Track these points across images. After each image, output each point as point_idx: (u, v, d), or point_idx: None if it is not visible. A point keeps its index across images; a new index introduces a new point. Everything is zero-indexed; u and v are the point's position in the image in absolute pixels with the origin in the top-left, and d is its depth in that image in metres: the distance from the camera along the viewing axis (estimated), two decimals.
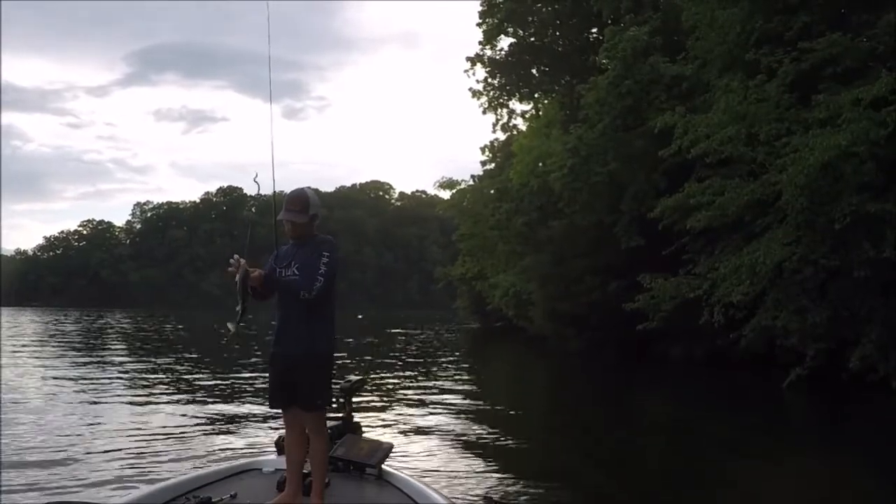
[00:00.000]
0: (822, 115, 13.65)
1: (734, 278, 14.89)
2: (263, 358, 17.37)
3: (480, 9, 35.81)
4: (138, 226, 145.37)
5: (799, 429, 12.29)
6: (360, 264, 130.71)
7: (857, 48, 14.69)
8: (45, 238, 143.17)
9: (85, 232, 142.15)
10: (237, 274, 4.37)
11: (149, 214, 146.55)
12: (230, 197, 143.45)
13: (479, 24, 36.33)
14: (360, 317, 68.24)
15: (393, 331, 46.36)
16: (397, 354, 26.43)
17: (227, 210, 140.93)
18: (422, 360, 24.03)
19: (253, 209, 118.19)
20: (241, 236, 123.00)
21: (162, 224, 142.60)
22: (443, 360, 24.99)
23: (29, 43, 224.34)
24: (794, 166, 13.19)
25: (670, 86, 20.19)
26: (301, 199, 4.60)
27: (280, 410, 4.84)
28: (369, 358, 23.52)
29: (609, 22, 25.01)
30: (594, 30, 30.71)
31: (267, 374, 4.98)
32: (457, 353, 29.99)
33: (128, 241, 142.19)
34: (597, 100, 21.67)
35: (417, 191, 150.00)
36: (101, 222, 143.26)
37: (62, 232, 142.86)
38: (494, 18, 35.17)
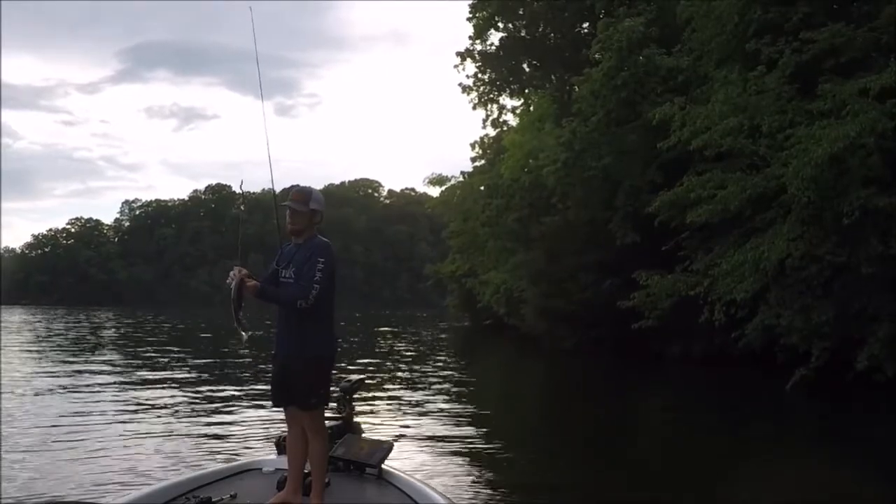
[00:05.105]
0: (826, 106, 13.41)
1: (736, 275, 14.61)
2: (263, 357, 17.19)
3: (471, 2, 35.68)
4: (127, 223, 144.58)
5: (801, 430, 12.03)
6: (348, 262, 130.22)
7: (861, 38, 14.47)
8: (34, 236, 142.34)
9: (73, 230, 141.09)
10: (232, 284, 4.55)
11: (137, 212, 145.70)
12: (219, 195, 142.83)
13: (469, 19, 36.24)
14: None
15: (383, 329, 46.13)
16: (391, 353, 26.22)
17: (215, 208, 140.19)
18: (417, 359, 23.81)
19: (241, 207, 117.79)
20: (230, 234, 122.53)
21: (150, 222, 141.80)
22: (437, 359, 24.76)
23: (19, 40, 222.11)
24: (799, 158, 12.93)
25: (666, 78, 19.94)
26: (304, 192, 4.87)
27: (281, 409, 4.95)
28: (364, 357, 23.26)
29: (601, 16, 24.79)
30: (586, 24, 30.54)
31: (267, 373, 4.96)
32: (450, 352, 29.80)
33: (116, 239, 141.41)
34: (591, 92, 21.41)
35: (406, 188, 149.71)
36: (89, 220, 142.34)
37: (51, 230, 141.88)
38: (485, 12, 35.04)
